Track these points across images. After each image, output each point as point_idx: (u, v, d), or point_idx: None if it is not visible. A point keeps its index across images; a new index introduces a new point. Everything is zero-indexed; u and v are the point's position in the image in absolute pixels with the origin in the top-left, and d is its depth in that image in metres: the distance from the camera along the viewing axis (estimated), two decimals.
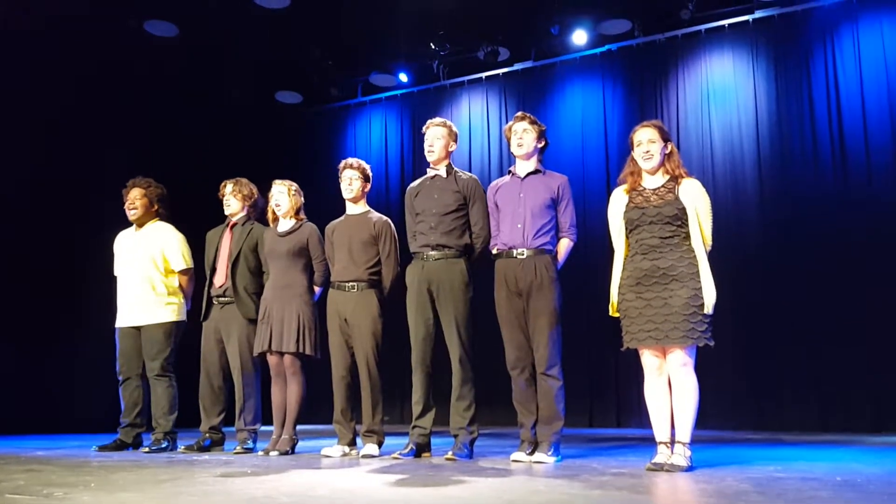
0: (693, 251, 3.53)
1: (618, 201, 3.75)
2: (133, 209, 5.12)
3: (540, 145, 4.17)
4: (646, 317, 3.53)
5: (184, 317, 5.13)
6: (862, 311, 6.41)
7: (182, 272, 5.11)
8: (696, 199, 3.58)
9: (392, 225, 4.58)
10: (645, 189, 3.68)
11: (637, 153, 3.69)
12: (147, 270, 5.02)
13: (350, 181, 4.61)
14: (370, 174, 4.72)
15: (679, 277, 3.49)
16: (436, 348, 4.28)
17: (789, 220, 6.90)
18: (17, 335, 6.83)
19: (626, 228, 3.67)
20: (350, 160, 4.69)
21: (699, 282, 3.47)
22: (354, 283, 4.48)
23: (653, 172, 3.68)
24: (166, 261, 5.07)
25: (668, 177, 3.67)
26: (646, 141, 3.67)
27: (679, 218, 3.54)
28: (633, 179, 3.72)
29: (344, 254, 4.54)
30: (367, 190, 4.69)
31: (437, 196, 4.29)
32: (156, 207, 5.20)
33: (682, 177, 3.66)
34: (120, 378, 5.07)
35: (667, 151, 3.68)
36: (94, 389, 6.64)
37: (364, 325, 4.43)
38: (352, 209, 4.68)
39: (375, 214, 4.65)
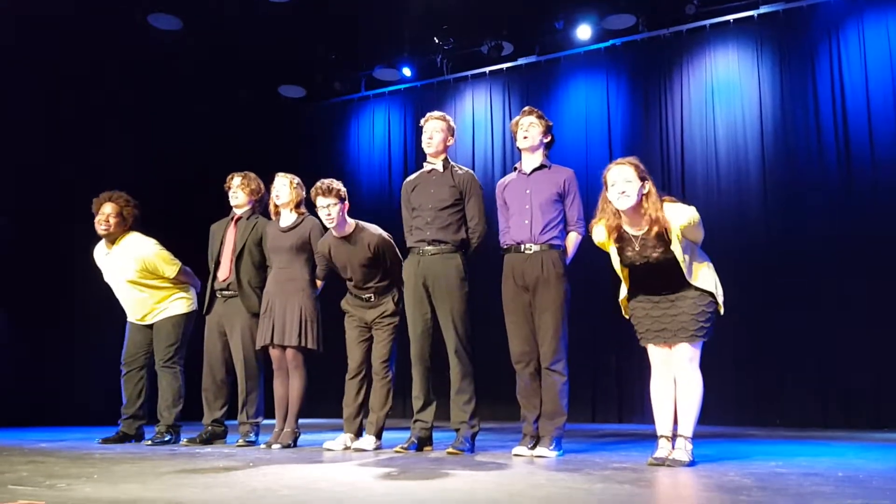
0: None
1: (602, 237, 3.58)
2: (106, 224, 4.95)
3: (546, 140, 4.16)
4: (653, 317, 3.57)
5: (194, 307, 5.14)
6: (864, 307, 6.41)
7: (175, 276, 5.06)
8: (680, 223, 3.41)
9: (385, 237, 4.46)
10: (632, 237, 3.48)
11: (611, 194, 3.43)
12: (138, 286, 4.98)
13: (328, 209, 4.31)
14: (345, 194, 4.41)
15: (685, 289, 3.50)
16: (436, 343, 4.28)
17: (793, 215, 6.89)
18: (19, 328, 6.85)
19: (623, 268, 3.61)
20: (321, 185, 4.32)
21: (702, 284, 3.48)
22: (371, 294, 4.49)
23: (631, 212, 3.44)
24: (150, 271, 4.97)
25: (647, 217, 3.41)
26: (621, 181, 3.40)
27: (677, 263, 3.44)
28: (613, 224, 3.47)
29: (349, 274, 4.50)
30: (346, 210, 4.43)
31: (434, 191, 4.28)
32: (129, 223, 5.03)
33: (662, 218, 3.39)
34: (123, 370, 5.08)
35: (644, 191, 3.41)
36: (96, 382, 6.67)
37: (383, 325, 4.45)
38: (339, 232, 4.43)
39: (366, 232, 4.42)
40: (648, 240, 3.45)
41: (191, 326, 5.13)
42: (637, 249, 3.48)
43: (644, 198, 3.42)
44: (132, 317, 5.10)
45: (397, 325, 4.47)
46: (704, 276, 3.51)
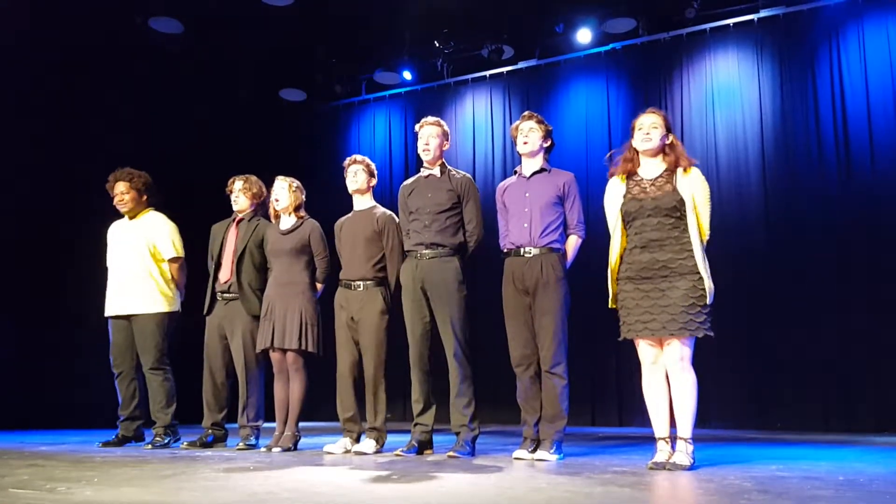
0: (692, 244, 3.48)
1: (615, 190, 3.69)
2: (122, 203, 5.12)
3: (546, 145, 4.17)
4: (643, 308, 3.49)
5: (177, 307, 5.12)
6: (865, 309, 6.40)
7: (172, 260, 5.09)
8: (694, 188, 3.51)
9: (396, 219, 4.57)
10: (642, 179, 3.62)
11: (636, 137, 3.63)
12: (143, 259, 5.03)
13: (355, 173, 4.62)
14: (375, 170, 4.72)
15: (679, 270, 3.45)
16: (435, 346, 4.28)
17: (793, 218, 6.89)
18: (19, 328, 6.85)
19: (624, 220, 3.62)
20: (355, 156, 4.72)
21: (698, 273, 3.43)
22: (361, 282, 4.49)
23: (650, 155, 3.61)
24: (159, 250, 5.07)
25: (666, 166, 3.60)
26: (647, 125, 3.60)
27: (678, 210, 3.48)
28: (628, 166, 3.65)
29: (349, 251, 4.55)
30: (372, 184, 4.68)
31: (431, 195, 4.29)
32: (145, 197, 5.19)
33: (682, 167, 3.56)
34: (115, 372, 5.08)
35: (668, 141, 3.61)
36: (96, 384, 6.65)
37: (370, 324, 4.43)
38: (358, 204, 4.67)
39: (380, 209, 4.63)
40: (657, 180, 3.58)
41: (173, 327, 5.09)
42: (646, 189, 3.57)
43: (668, 147, 3.60)
44: (113, 306, 5.03)
45: (387, 329, 4.45)
46: (704, 255, 3.48)
